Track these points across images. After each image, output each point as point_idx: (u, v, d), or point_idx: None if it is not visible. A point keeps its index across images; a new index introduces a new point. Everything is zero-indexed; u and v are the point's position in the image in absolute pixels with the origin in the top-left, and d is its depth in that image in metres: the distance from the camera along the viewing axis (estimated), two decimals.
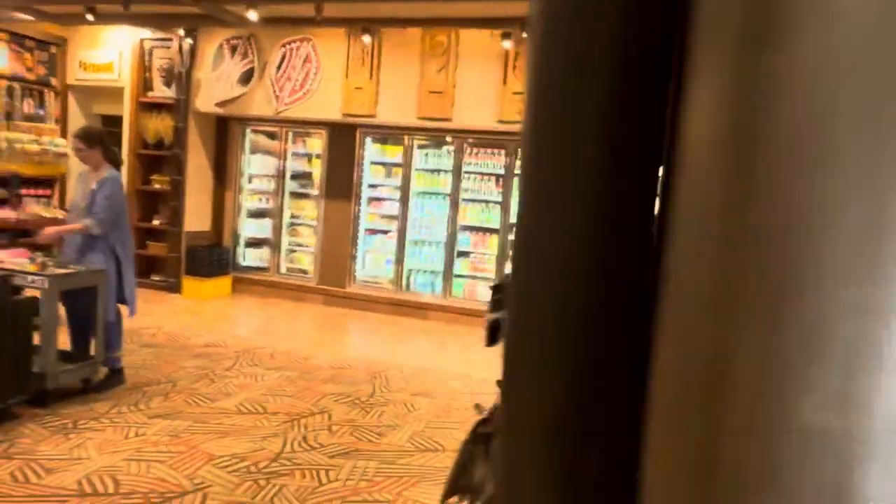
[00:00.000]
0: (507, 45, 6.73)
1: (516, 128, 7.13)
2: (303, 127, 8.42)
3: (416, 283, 8.17)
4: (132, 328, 6.40)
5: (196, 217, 8.63)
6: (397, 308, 8.06)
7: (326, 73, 7.67)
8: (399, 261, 8.15)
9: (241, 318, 7.53)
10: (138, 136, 8.61)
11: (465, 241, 7.94)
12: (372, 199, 8.36)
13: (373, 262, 8.40)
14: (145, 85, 8.62)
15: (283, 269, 8.76)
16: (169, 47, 8.34)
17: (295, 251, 8.79)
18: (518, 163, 7.64)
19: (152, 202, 8.78)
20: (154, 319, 6.93)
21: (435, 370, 5.81)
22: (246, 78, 7.97)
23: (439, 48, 7.19)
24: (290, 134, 8.61)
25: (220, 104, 8.12)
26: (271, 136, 8.76)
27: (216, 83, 8.10)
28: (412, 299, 8.07)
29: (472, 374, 5.76)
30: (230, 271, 8.74)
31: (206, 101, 8.21)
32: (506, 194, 7.70)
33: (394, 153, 8.17)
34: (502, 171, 7.73)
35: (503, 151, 7.70)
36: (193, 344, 6.07)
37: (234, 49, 8.01)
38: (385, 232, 8.34)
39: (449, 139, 7.79)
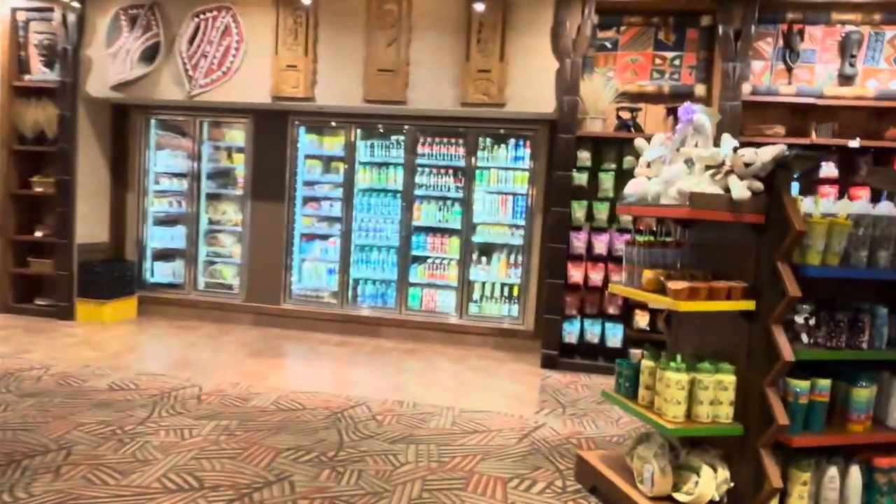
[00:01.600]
0: (480, 6, 5.74)
1: (481, 112, 6.16)
2: (222, 115, 7.09)
3: (365, 295, 7.03)
4: (5, 370, 4.92)
5: (90, 226, 7.11)
6: (343, 326, 6.90)
7: (251, 48, 6.41)
8: (343, 270, 6.98)
9: (152, 349, 6.14)
10: (12, 128, 6.99)
11: (420, 244, 6.88)
12: (308, 199, 7.15)
13: (312, 273, 7.18)
14: (20, 66, 7.01)
15: (201, 286, 7.38)
16: (50, 20, 6.80)
17: (215, 263, 7.43)
18: (483, 153, 6.67)
19: (33, 209, 7.17)
20: (39, 356, 5.45)
21: (407, 403, 4.72)
22: (149, 55, 6.57)
23: (388, 18, 6.11)
24: (207, 123, 7.25)
25: (117, 87, 6.67)
26: (183, 126, 7.36)
27: (112, 62, 6.65)
28: (361, 314, 6.93)
29: (451, 403, 4.72)
30: (135, 290, 7.27)
31: (99, 83, 6.73)
32: (467, 190, 6.71)
33: (334, 145, 7.00)
34: (462, 164, 6.74)
35: (462, 141, 6.72)
36: (94, 388, 4.70)
37: (133, 20, 6.59)
38: (325, 237, 7.15)
39: (407, 128, 6.71)
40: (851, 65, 5.59)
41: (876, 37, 5.59)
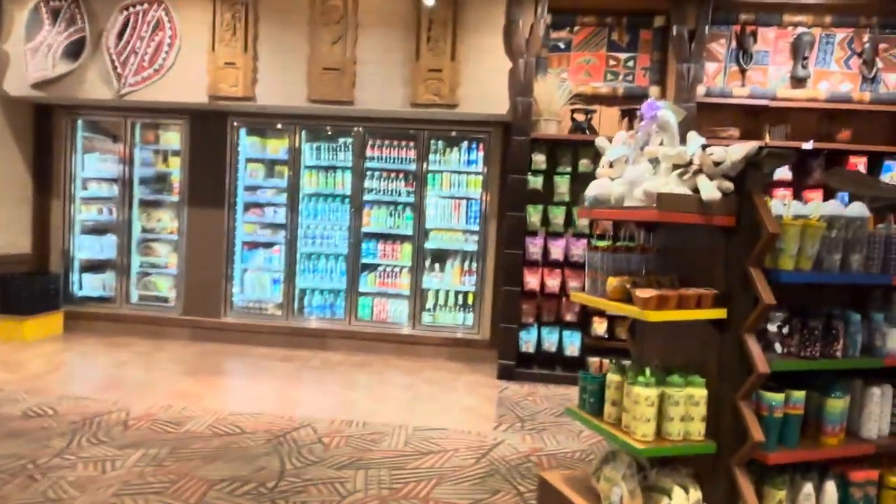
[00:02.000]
0: (430, 2, 5.49)
1: (433, 113, 5.91)
2: (156, 115, 6.64)
3: (312, 305, 6.67)
4: None
5: (9, 236, 6.54)
6: (289, 339, 6.52)
7: (185, 44, 6.00)
8: (289, 279, 6.61)
9: (78, 369, 5.65)
10: None
11: (371, 251, 6.57)
12: (251, 206, 6.75)
13: (255, 284, 6.78)
14: None
15: (134, 299, 6.89)
16: None
17: (150, 275, 6.95)
18: (435, 156, 6.42)
19: None
20: None
21: (357, 422, 4.41)
22: (74, 51, 6.08)
23: (333, 14, 5.80)
24: (139, 125, 6.78)
25: (39, 85, 6.16)
26: (113, 127, 6.87)
27: (32, 58, 6.13)
28: (307, 326, 6.57)
29: (404, 421, 4.43)
30: (61, 305, 6.72)
31: (18, 81, 6.20)
32: (419, 195, 6.44)
33: (277, 147, 6.63)
34: (413, 168, 6.47)
35: (413, 143, 6.45)
36: (7, 415, 4.23)
37: (55, 13, 6.10)
38: (269, 245, 6.76)
39: (355, 130, 6.40)
40: (804, 66, 5.57)
41: (826, 39, 5.59)
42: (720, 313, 2.72)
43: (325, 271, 6.63)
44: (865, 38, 5.50)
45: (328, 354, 6.34)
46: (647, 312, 2.61)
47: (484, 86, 5.75)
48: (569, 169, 5.73)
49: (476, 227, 6.45)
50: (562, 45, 5.96)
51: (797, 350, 2.77)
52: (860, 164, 5.37)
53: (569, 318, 5.76)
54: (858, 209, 2.80)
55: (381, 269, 6.61)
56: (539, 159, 5.70)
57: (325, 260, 6.64)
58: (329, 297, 6.65)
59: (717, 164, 2.65)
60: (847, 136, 5.52)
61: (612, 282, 2.87)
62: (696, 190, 2.68)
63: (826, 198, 5.18)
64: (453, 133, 6.38)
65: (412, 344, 6.42)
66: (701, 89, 5.57)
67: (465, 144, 6.45)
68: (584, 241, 5.68)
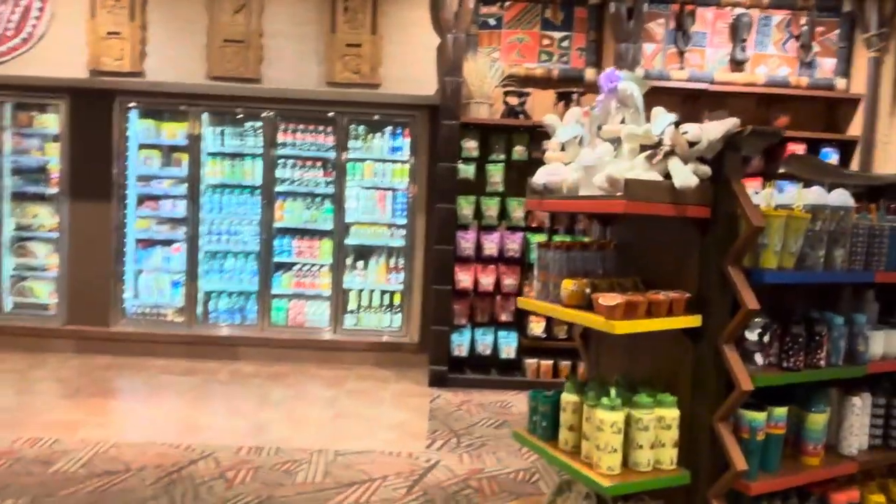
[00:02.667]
0: None
1: (352, 94, 5.31)
2: (27, 94, 5.71)
3: (219, 310, 5.95)
4: None
5: None
6: (192, 349, 5.78)
7: (60, 10, 5.14)
8: (191, 281, 5.86)
9: None
10: None
11: (285, 248, 5.92)
12: (145, 198, 5.94)
13: (151, 286, 5.99)
14: None
15: (7, 307, 5.95)
16: None
17: (25, 279, 6.02)
18: (356, 142, 5.83)
19: None
20: None
21: (268, 449, 3.81)
22: None
23: None
24: (9, 106, 5.82)
25: None
26: None
27: None
28: (214, 334, 5.85)
29: (325, 444, 3.87)
30: None
31: None
32: (339, 185, 5.84)
33: (175, 132, 5.85)
34: (332, 155, 5.85)
35: (331, 128, 5.83)
36: None
37: None
38: (168, 242, 5.98)
39: (265, 113, 5.70)
40: (742, 49, 5.34)
41: (764, 21, 5.38)
42: (694, 321, 2.31)
43: (233, 271, 5.92)
44: (803, 20, 5.32)
45: (238, 365, 5.65)
46: (614, 323, 2.16)
47: (409, 64, 5.21)
48: (502, 157, 5.29)
49: (402, 221, 5.91)
50: (492, 22, 5.49)
51: (778, 360, 2.41)
52: (799, 150, 5.18)
53: (504, 317, 5.33)
54: (842, 197, 2.46)
55: (297, 267, 5.97)
56: (470, 146, 5.22)
57: (234, 258, 5.93)
58: (238, 301, 5.95)
59: (691, 144, 2.23)
60: (785, 121, 5.33)
61: (568, 285, 2.42)
62: (667, 175, 2.26)
63: (763, 186, 4.95)
64: (376, 117, 5.81)
65: (334, 350, 5.82)
66: (639, 71, 5.23)
67: (389, 130, 5.89)
68: (520, 234, 5.26)
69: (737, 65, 5.38)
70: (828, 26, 5.36)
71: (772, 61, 5.41)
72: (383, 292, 6.02)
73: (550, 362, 5.27)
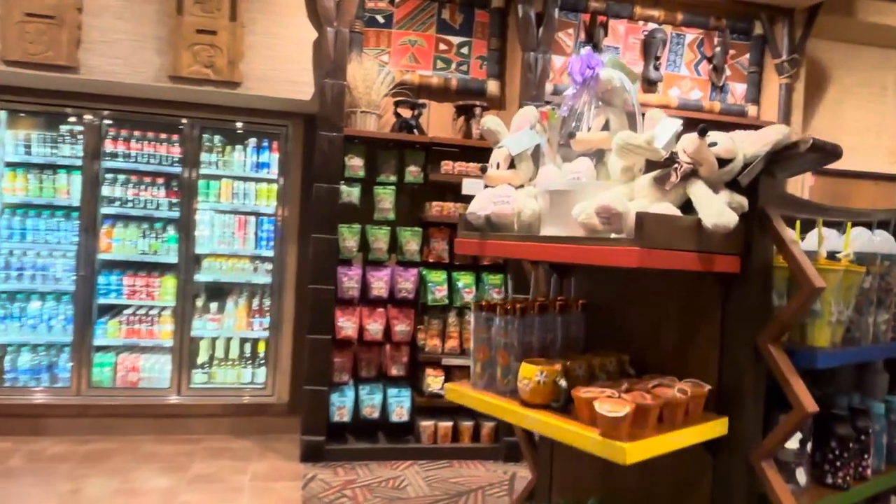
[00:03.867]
0: None
1: (205, 94, 4.22)
2: None
3: (18, 370, 4.51)
4: None
5: None
6: None
7: None
8: None
9: None
10: None
11: (113, 287, 4.62)
12: None
13: None
14: None
15: None
16: None
17: None
18: (210, 156, 4.71)
19: None
20: None
21: None
22: None
23: None
24: None
25: None
26: None
27: None
28: (10, 401, 4.41)
29: None
30: None
31: None
32: (187, 208, 4.66)
33: None
34: (178, 171, 4.68)
35: (178, 137, 4.67)
36: None
37: None
38: None
39: (88, 115, 4.40)
40: (656, 68, 4.87)
41: (677, 39, 4.96)
42: (718, 427, 1.55)
43: (38, 318, 4.52)
44: (716, 40, 4.96)
45: (43, 444, 4.27)
46: (624, 447, 1.33)
47: (279, 61, 4.22)
48: (393, 178, 4.41)
49: (269, 253, 4.84)
50: (381, 20, 4.64)
51: (821, 474, 1.70)
52: None
53: (395, 371, 4.40)
54: (888, 242, 1.82)
55: (129, 312, 4.68)
56: (355, 164, 4.30)
57: (40, 301, 4.54)
58: (46, 356, 4.55)
59: (722, 162, 1.47)
60: None
61: (530, 373, 1.58)
62: (684, 206, 1.48)
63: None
64: (238, 124, 4.73)
65: (179, 417, 4.59)
66: (548, 87, 4.60)
67: (253, 141, 4.83)
68: (414, 271, 4.39)
69: (649, 85, 4.90)
70: (739, 49, 5.04)
71: (684, 83, 5.00)
72: (244, 341, 4.88)
73: (450, 424, 4.41)
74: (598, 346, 1.83)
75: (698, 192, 1.44)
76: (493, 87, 4.75)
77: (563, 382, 1.54)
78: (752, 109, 5.04)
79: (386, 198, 4.35)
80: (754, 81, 5.06)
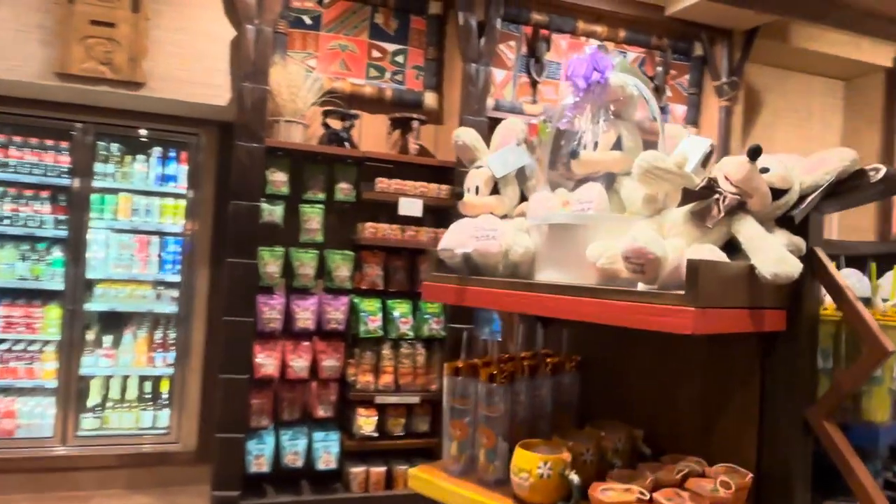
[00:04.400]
0: None
1: (101, 94, 3.64)
2: None
3: None
4: None
5: None
6: None
7: None
8: None
9: None
10: None
11: None
12: None
13: None
14: None
15: None
16: None
17: None
18: (107, 166, 4.11)
19: None
20: None
21: None
22: None
23: None
24: None
25: None
26: None
27: None
28: None
29: None
30: None
31: None
32: (77, 226, 4.03)
33: None
34: (68, 182, 4.04)
35: (68, 144, 4.03)
36: None
37: None
38: None
39: None
40: None
41: (620, 57, 4.78)
42: None
43: None
44: (657, 60, 4.83)
45: None
46: None
47: (189, 60, 3.70)
48: (322, 195, 3.96)
49: (175, 278, 4.26)
50: (308, 21, 4.20)
51: None
52: None
53: (322, 412, 3.92)
54: None
55: (4, 347, 3.98)
56: (278, 179, 3.82)
57: None
58: None
59: (776, 194, 1.16)
60: None
61: (529, 464, 1.23)
62: (727, 247, 1.17)
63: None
64: (141, 131, 4.16)
65: (64, 470, 3.92)
66: (489, 101, 4.30)
67: (158, 150, 4.26)
68: (345, 299, 3.94)
69: None
70: (679, 70, 4.94)
71: None
72: (144, 379, 4.26)
73: (383, 469, 3.97)
74: (596, 415, 1.48)
75: (750, 231, 1.12)
76: (430, 99, 4.40)
77: (573, 477, 1.18)
78: (692, 132, 4.93)
79: (313, 217, 3.90)
80: (694, 103, 4.97)
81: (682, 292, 1.00)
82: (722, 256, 1.11)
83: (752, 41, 4.84)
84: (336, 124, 4.07)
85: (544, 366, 1.44)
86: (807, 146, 5.70)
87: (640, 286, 1.10)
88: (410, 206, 3.96)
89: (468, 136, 1.50)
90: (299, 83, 3.91)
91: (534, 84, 4.57)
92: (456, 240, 1.38)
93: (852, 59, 5.24)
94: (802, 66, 5.45)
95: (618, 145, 1.32)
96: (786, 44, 5.03)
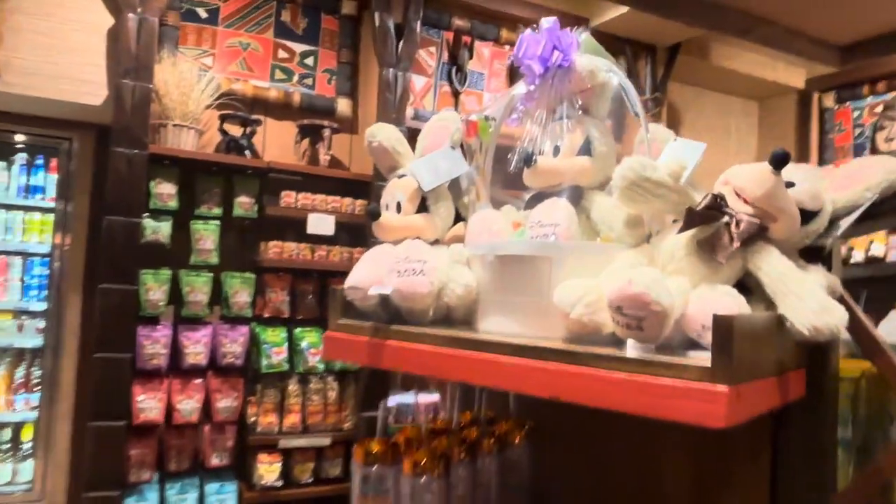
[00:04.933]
0: None
1: None
2: None
3: None
4: None
5: None
6: None
7: None
8: None
9: None
10: None
11: None
12: None
13: None
14: None
15: None
16: None
17: None
18: None
19: None
20: None
21: None
22: None
23: None
24: None
25: None
26: None
27: None
28: None
29: None
30: None
31: None
32: None
33: None
34: None
35: None
36: None
37: None
38: None
39: None
40: None
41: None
42: None
43: None
44: None
45: None
46: None
47: (57, 51, 3.15)
48: (217, 211, 3.48)
49: (41, 306, 3.64)
50: (203, 14, 3.73)
51: None
52: None
53: (216, 460, 3.40)
54: None
55: None
56: (165, 192, 3.31)
57: None
58: None
59: (806, 216, 0.86)
60: None
61: None
62: (743, 287, 0.85)
63: None
64: None
65: None
66: (409, 111, 3.97)
67: (21, 157, 3.64)
68: (244, 329, 3.46)
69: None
70: None
71: None
72: (2, 426, 3.60)
73: None
74: (554, 499, 1.14)
75: (776, 267, 0.82)
76: (343, 105, 4.02)
77: None
78: (616, 147, 4.78)
79: (207, 236, 3.40)
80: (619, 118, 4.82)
81: (704, 362, 0.68)
82: (744, 304, 0.80)
83: (674, 58, 4.77)
84: (235, 130, 3.61)
85: (488, 439, 1.09)
86: (725, 166, 5.68)
87: (631, 346, 0.77)
88: (321, 223, 3.55)
89: (385, 134, 1.14)
90: (191, 83, 3.43)
91: (455, 94, 4.28)
92: (370, 275, 1.01)
93: (768, 79, 5.28)
94: (720, 86, 5.46)
95: (586, 149, 0.99)
96: (705, 61, 4.99)
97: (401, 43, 3.84)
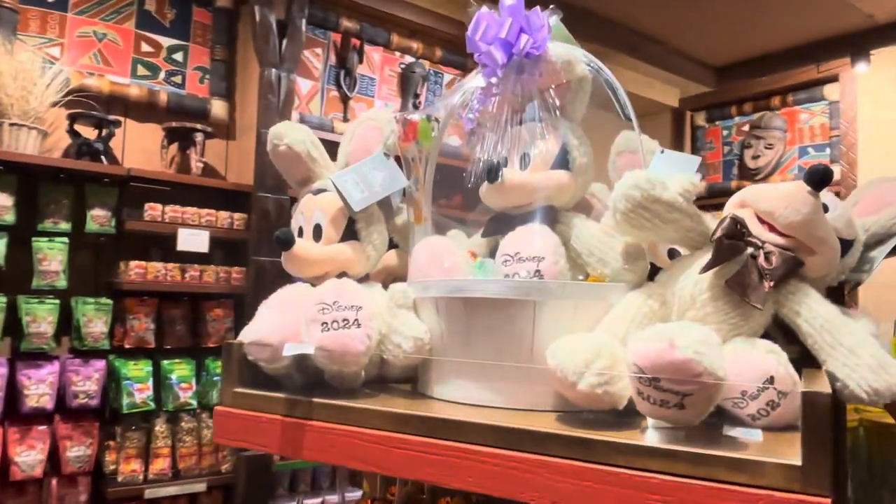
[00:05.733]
0: None
1: None
2: None
3: None
4: None
5: None
6: None
7: None
8: None
9: None
10: None
11: None
12: None
13: None
14: None
15: None
16: None
17: None
18: None
19: None
20: None
21: None
22: None
23: None
24: None
25: None
26: None
27: None
28: None
29: None
30: None
31: None
32: None
33: None
34: None
35: None
36: None
37: None
38: None
39: None
40: (416, 107, 4.24)
41: (436, 78, 4.41)
42: None
43: None
44: None
45: None
46: None
47: None
48: (66, 226, 2.96)
49: None
50: None
51: None
52: None
53: None
54: None
55: None
56: (1, 204, 2.77)
57: None
58: None
59: (845, 245, 0.70)
60: None
61: None
62: (772, 335, 0.67)
63: None
64: None
65: None
66: (294, 115, 3.64)
67: None
68: (100, 363, 2.96)
69: None
70: None
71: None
72: None
73: None
74: None
75: (821, 313, 0.65)
76: (218, 108, 3.61)
77: None
78: None
79: (52, 255, 2.87)
80: None
81: (788, 457, 0.48)
82: (788, 365, 0.62)
83: None
84: (89, 132, 3.10)
85: None
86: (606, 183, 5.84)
87: (651, 427, 0.57)
88: (193, 240, 3.13)
89: (296, 136, 0.87)
90: (34, 75, 2.91)
91: (345, 100, 4.00)
92: (281, 326, 0.74)
93: (646, 97, 5.45)
94: (600, 102, 5.58)
95: (562, 160, 0.78)
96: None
97: (284, 41, 3.51)
